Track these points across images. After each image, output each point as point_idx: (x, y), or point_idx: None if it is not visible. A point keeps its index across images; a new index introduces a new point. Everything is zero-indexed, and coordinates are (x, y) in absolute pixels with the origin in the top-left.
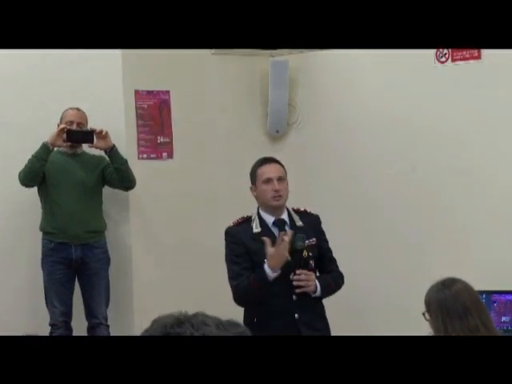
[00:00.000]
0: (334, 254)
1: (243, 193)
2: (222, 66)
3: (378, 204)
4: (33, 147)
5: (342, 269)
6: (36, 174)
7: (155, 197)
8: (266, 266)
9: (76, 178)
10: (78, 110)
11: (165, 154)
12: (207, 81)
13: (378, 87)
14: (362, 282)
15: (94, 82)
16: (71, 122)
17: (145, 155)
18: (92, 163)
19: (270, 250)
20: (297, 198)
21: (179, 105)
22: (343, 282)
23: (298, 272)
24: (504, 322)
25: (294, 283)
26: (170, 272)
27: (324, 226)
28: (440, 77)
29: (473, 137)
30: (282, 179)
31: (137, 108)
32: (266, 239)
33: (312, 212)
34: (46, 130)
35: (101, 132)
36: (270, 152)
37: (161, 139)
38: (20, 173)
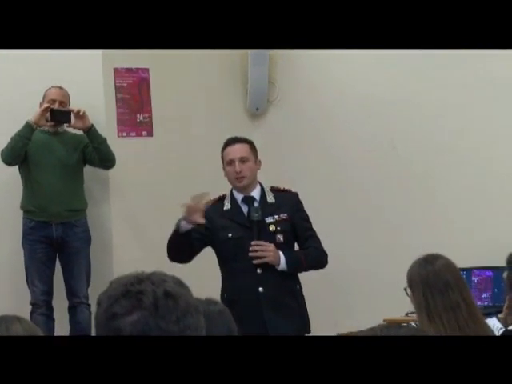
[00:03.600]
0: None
1: (223, 171)
2: None
3: (357, 181)
4: (12, 126)
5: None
6: (18, 153)
7: (135, 175)
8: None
9: (57, 157)
10: (60, 88)
11: (144, 132)
12: (187, 58)
13: (358, 64)
14: (342, 259)
15: (73, 60)
16: (53, 101)
17: (124, 133)
18: (73, 142)
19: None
20: (276, 175)
21: (159, 83)
22: (326, 261)
23: (253, 243)
24: (485, 298)
25: (250, 254)
26: (150, 250)
27: (303, 204)
28: (418, 54)
29: (452, 114)
30: (244, 160)
31: (116, 86)
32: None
33: (291, 190)
34: (25, 108)
35: (78, 112)
36: (250, 129)
37: (140, 117)
38: (2, 151)
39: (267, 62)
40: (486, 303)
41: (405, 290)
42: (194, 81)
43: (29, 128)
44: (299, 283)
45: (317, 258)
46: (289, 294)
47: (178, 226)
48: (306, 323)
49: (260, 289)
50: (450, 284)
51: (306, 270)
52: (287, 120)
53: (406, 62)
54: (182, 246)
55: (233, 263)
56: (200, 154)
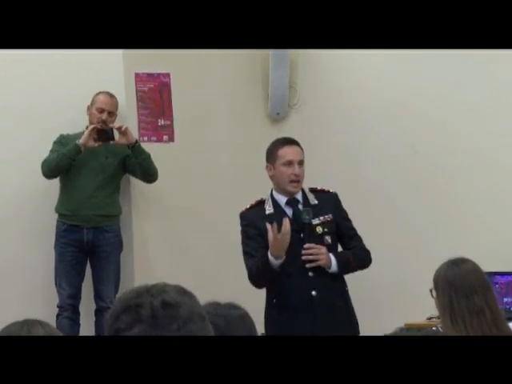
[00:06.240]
0: None
1: (244, 175)
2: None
3: (379, 185)
4: (33, 129)
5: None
6: (61, 170)
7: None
8: (269, 254)
9: (97, 163)
10: (110, 96)
11: (165, 137)
12: (207, 63)
13: (378, 68)
14: None
15: (95, 65)
16: (102, 110)
17: (145, 138)
18: (116, 149)
19: (270, 237)
20: None
21: (180, 87)
22: (370, 259)
23: (306, 246)
24: (506, 302)
25: (303, 257)
26: (172, 255)
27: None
28: (440, 56)
29: (474, 116)
30: (302, 163)
31: (137, 91)
32: (269, 226)
33: (330, 190)
34: (48, 112)
35: (120, 128)
36: (271, 134)
37: (161, 122)
38: (43, 164)
39: (288, 66)
40: (507, 307)
41: (430, 291)
42: (214, 85)
43: (76, 149)
44: (346, 285)
45: (363, 258)
46: (339, 296)
47: (266, 262)
48: (355, 325)
49: (313, 292)
50: (476, 288)
51: (353, 270)
52: (308, 124)
53: (427, 64)
54: (274, 276)
55: (282, 267)
56: (221, 158)
